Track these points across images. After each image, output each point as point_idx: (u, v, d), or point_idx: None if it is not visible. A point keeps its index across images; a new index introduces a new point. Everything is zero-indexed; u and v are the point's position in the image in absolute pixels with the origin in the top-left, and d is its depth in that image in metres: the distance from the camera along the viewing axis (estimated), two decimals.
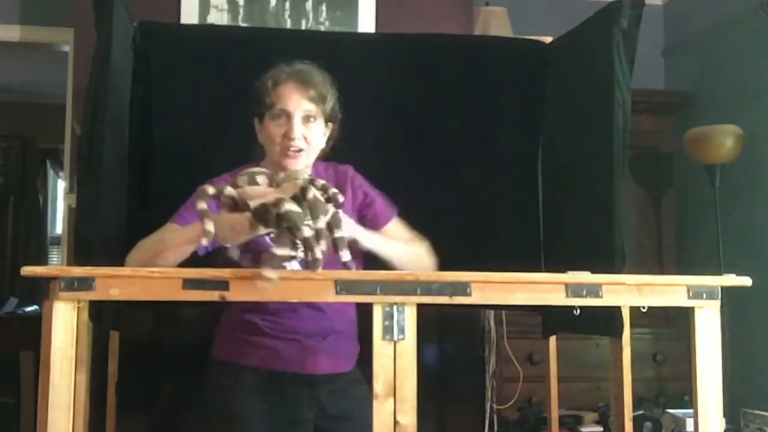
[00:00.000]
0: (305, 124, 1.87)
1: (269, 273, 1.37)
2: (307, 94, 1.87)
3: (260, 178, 1.55)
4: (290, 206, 1.43)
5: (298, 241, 1.40)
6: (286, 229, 1.41)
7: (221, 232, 1.53)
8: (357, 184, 2.01)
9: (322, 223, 1.43)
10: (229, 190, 1.52)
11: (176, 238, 1.68)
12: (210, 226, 1.47)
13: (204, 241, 1.49)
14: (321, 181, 1.52)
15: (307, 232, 1.41)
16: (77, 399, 1.36)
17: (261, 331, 1.85)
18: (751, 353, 3.19)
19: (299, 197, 1.46)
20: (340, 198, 1.52)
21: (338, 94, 1.93)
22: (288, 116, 1.87)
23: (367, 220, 1.97)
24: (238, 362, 1.86)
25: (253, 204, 1.50)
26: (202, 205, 1.50)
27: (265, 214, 1.46)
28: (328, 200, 1.50)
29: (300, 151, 1.87)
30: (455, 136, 2.37)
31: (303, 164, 1.90)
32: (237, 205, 1.52)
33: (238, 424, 1.82)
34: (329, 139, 1.96)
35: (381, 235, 1.91)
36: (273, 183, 1.55)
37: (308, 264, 1.40)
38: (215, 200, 1.53)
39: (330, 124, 1.95)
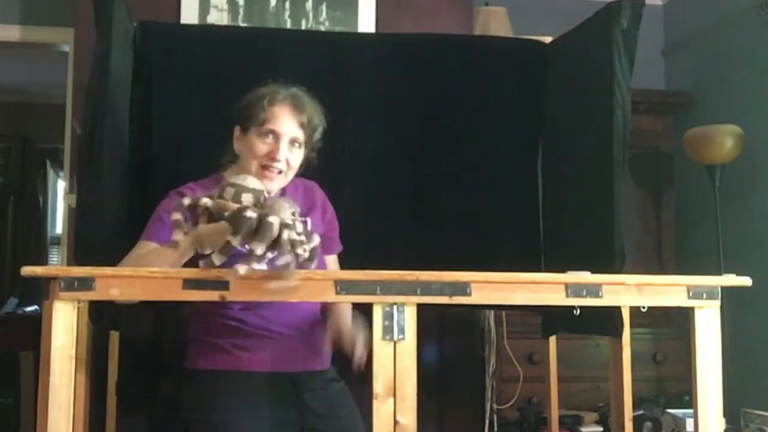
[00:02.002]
0: (290, 147, 1.90)
1: (240, 269, 1.38)
2: (299, 119, 1.89)
3: (246, 197, 1.55)
4: (250, 213, 1.45)
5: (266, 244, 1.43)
6: (257, 232, 1.43)
7: (200, 242, 1.54)
8: (327, 203, 2.06)
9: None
10: (204, 201, 1.53)
11: (160, 261, 1.62)
12: (179, 236, 1.50)
13: (171, 253, 1.51)
14: (295, 233, 1.53)
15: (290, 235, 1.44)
16: (77, 399, 1.36)
17: (235, 333, 1.84)
18: (751, 353, 3.19)
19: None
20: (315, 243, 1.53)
21: (326, 126, 1.95)
22: (276, 137, 1.88)
23: (323, 241, 1.98)
24: (215, 368, 1.85)
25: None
26: (177, 216, 1.51)
27: (238, 220, 1.47)
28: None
29: (280, 172, 1.89)
30: (455, 136, 2.37)
31: (278, 186, 1.92)
32: (212, 216, 1.53)
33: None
34: (302, 163, 1.97)
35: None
36: (257, 204, 1.55)
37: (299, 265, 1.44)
38: (189, 211, 1.53)
39: (308, 150, 1.97)
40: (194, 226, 1.54)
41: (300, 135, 1.90)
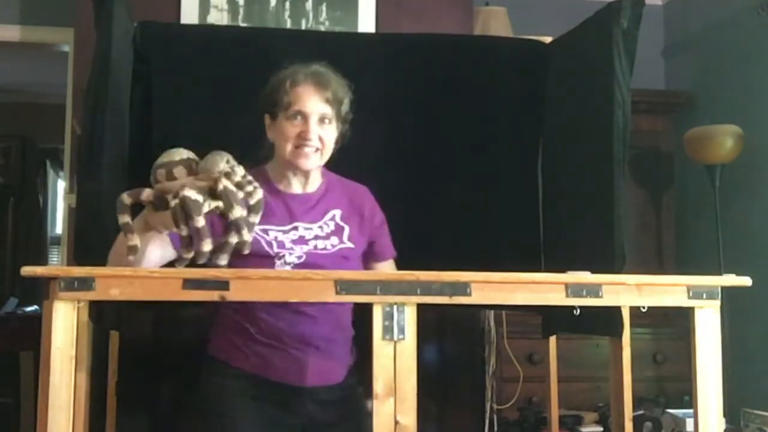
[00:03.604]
0: (320, 125, 1.89)
1: (204, 246, 1.48)
2: (324, 95, 1.89)
3: (177, 170, 1.58)
4: (188, 192, 1.50)
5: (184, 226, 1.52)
6: (183, 214, 1.49)
7: (155, 227, 1.59)
8: (376, 210, 2.04)
9: (237, 212, 1.52)
10: (146, 193, 1.56)
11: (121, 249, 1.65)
12: (135, 241, 1.53)
13: (131, 257, 1.53)
14: (239, 176, 1.56)
15: (237, 213, 1.53)
16: (77, 399, 1.36)
17: (250, 336, 1.84)
18: (751, 353, 3.19)
19: (213, 188, 1.54)
20: (258, 194, 1.60)
21: (352, 97, 1.95)
22: (305, 117, 1.88)
23: (373, 248, 2.01)
24: (229, 363, 1.86)
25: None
26: (124, 219, 1.54)
27: (161, 202, 1.52)
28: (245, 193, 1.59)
29: (317, 150, 1.89)
30: (455, 136, 2.37)
31: (316, 163, 1.91)
32: (158, 203, 1.57)
33: (226, 423, 1.82)
34: (337, 140, 1.96)
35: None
36: (191, 172, 1.58)
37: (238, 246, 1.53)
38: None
39: (341, 125, 1.96)
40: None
41: (328, 110, 1.90)
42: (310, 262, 1.84)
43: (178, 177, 1.60)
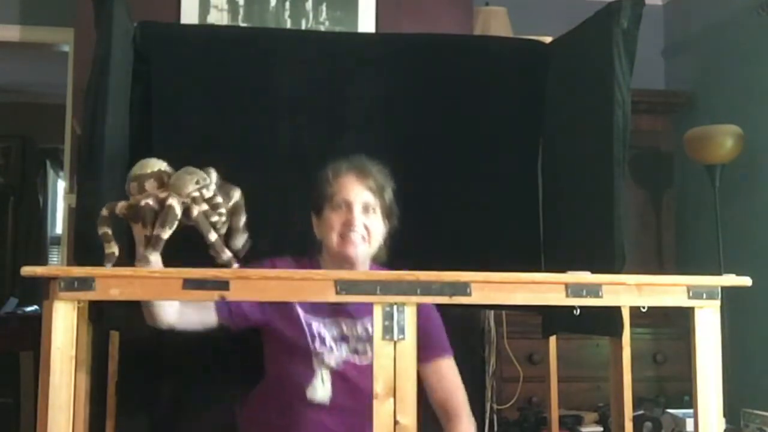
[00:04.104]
0: (365, 213, 1.92)
1: (150, 255, 1.52)
2: (366, 184, 1.93)
3: (149, 183, 1.61)
4: (147, 201, 1.55)
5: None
6: (155, 218, 1.54)
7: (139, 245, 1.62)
8: (422, 311, 2.02)
9: (212, 237, 1.56)
10: (120, 205, 1.59)
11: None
12: (112, 249, 1.55)
13: (108, 265, 1.54)
14: (209, 194, 1.59)
15: (213, 237, 1.55)
16: (77, 399, 1.36)
17: (280, 411, 1.88)
18: (750, 353, 3.19)
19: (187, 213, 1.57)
20: (235, 195, 1.64)
21: (394, 189, 1.98)
22: (348, 205, 1.91)
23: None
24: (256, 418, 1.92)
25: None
26: (102, 230, 1.56)
27: (138, 212, 1.57)
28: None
29: (363, 238, 1.90)
30: (455, 137, 2.37)
31: (364, 251, 1.92)
32: (132, 216, 1.60)
33: None
34: (387, 237, 2.00)
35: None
36: (162, 185, 1.60)
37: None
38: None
39: (387, 221, 1.99)
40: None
41: (371, 199, 1.94)
42: (347, 376, 1.90)
43: (149, 190, 1.61)
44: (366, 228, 1.91)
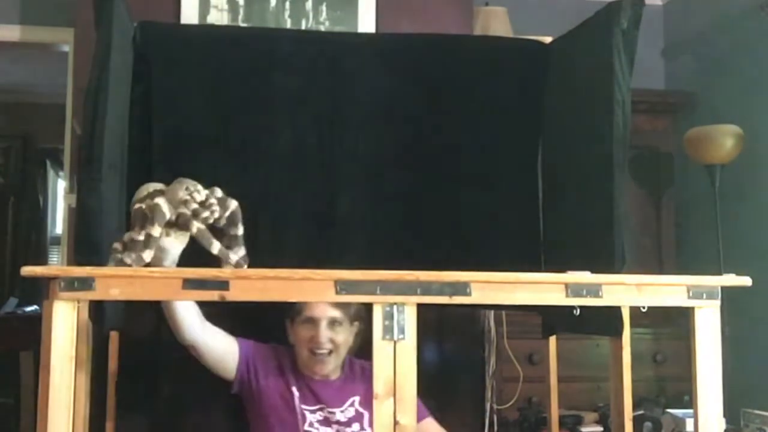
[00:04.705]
0: (331, 328, 2.06)
1: (145, 256, 1.53)
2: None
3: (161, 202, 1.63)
4: (139, 205, 1.59)
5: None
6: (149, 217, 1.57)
7: None
8: None
9: (215, 248, 1.58)
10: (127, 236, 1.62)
11: None
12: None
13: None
14: (201, 197, 1.64)
15: (215, 249, 1.58)
16: (77, 399, 1.36)
17: None
18: (750, 353, 3.19)
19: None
20: (232, 205, 1.66)
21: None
22: (315, 323, 2.05)
23: None
24: None
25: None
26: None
27: (133, 215, 1.62)
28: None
29: (329, 353, 2.06)
30: (455, 137, 2.37)
31: (332, 366, 2.09)
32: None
33: None
34: (356, 335, 2.13)
35: None
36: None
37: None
38: None
39: (356, 323, 2.11)
40: None
41: (337, 314, 2.06)
42: None
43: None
44: (332, 341, 2.06)
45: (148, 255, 1.56)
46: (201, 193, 1.64)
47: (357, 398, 2.11)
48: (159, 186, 1.71)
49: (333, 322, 2.06)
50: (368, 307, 2.05)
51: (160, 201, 1.57)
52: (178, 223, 1.60)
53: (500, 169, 2.37)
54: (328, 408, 2.09)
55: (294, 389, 2.10)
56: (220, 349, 2.06)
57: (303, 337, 2.08)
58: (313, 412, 2.07)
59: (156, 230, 1.54)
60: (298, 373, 2.13)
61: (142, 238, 1.56)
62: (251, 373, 2.10)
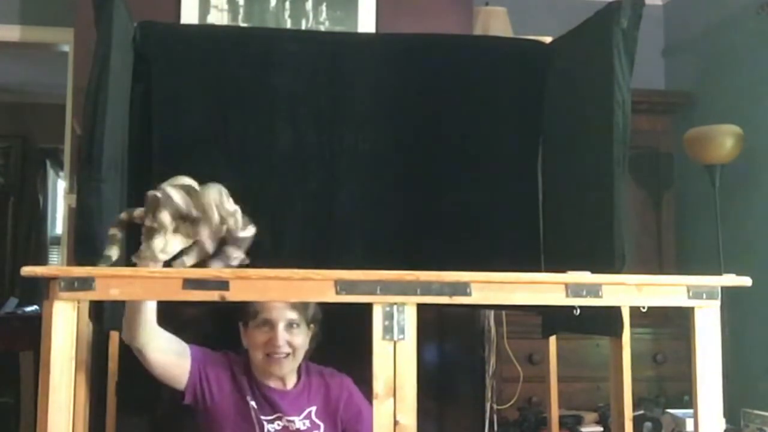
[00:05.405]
0: (288, 330, 2.01)
1: (156, 244, 1.54)
2: (289, 302, 1.98)
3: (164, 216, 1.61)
4: (171, 191, 1.58)
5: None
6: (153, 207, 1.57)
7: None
8: (352, 403, 2.12)
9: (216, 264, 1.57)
10: (138, 212, 1.64)
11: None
12: (111, 252, 1.59)
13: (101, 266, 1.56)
14: (231, 205, 1.62)
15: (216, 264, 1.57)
16: (77, 399, 1.36)
17: None
18: (750, 353, 3.19)
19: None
20: (250, 231, 1.63)
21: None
22: (272, 325, 2.00)
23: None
24: None
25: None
26: (113, 231, 1.62)
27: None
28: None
29: (287, 355, 2.01)
30: (455, 136, 2.37)
31: (289, 367, 2.04)
32: None
33: None
34: (312, 339, 2.09)
35: None
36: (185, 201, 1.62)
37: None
38: None
39: (312, 326, 2.08)
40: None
41: (294, 315, 2.02)
42: None
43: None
44: (290, 344, 2.01)
45: (159, 242, 1.56)
46: (231, 203, 1.63)
47: (314, 408, 2.08)
48: (192, 183, 1.68)
49: (291, 325, 2.01)
50: (325, 312, 2.07)
51: (166, 187, 1.56)
52: (193, 221, 1.58)
53: (500, 169, 2.37)
54: (287, 417, 2.05)
55: (249, 399, 2.05)
56: (173, 354, 1.97)
57: (259, 341, 2.01)
58: (271, 421, 2.03)
59: (167, 217, 1.53)
60: (253, 380, 2.06)
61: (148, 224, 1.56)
62: (203, 382, 2.02)
